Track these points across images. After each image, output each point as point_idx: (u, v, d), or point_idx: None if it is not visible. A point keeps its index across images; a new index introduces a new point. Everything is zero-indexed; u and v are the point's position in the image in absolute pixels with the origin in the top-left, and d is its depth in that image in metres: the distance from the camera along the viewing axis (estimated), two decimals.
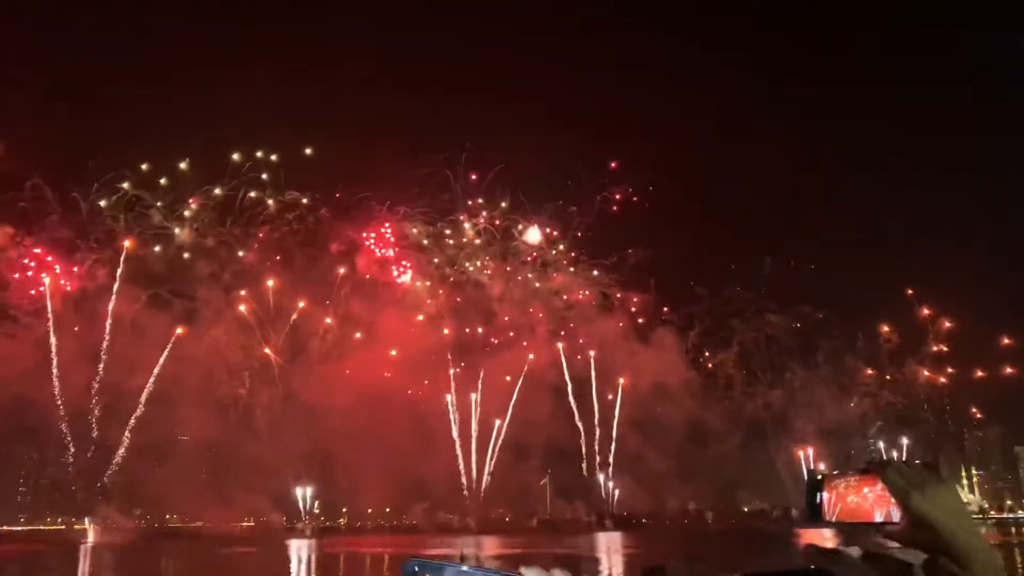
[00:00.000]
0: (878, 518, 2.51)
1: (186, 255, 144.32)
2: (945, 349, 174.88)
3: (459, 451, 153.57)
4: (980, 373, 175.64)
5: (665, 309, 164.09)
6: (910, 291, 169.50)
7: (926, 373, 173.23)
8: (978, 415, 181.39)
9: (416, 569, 2.11)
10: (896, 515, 2.45)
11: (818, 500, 2.61)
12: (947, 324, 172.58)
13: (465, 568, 2.13)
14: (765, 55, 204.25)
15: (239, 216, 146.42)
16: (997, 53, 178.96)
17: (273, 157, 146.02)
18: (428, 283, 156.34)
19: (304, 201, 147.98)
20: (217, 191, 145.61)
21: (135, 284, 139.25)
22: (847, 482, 2.60)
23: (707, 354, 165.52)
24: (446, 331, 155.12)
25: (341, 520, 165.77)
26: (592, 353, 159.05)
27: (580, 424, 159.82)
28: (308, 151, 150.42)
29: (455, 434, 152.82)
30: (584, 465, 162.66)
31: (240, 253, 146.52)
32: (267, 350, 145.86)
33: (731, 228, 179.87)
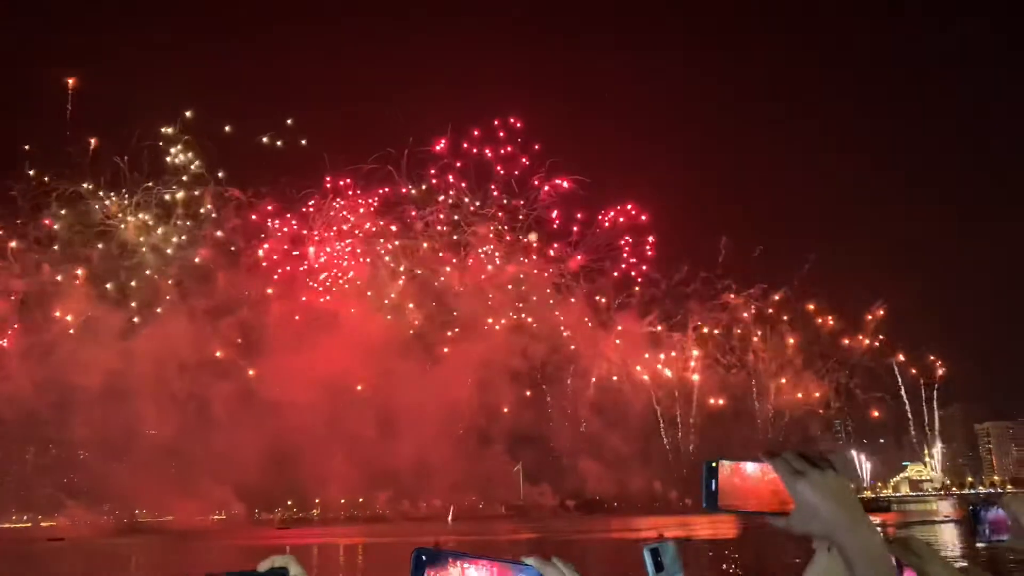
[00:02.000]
0: (769, 507, 2.55)
1: (144, 250, 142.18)
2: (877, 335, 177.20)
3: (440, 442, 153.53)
4: (933, 358, 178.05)
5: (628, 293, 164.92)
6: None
7: (901, 357, 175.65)
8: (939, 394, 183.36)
9: (424, 559, 2.13)
10: (788, 503, 2.49)
11: (712, 487, 2.58)
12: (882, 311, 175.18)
13: (470, 557, 2.15)
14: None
15: (185, 213, 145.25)
16: None
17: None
18: (399, 267, 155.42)
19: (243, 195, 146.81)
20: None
21: (84, 281, 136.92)
22: (742, 470, 2.61)
23: (669, 337, 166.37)
24: (416, 322, 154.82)
25: (314, 511, 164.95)
26: (565, 333, 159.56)
27: (550, 410, 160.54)
28: (274, 139, 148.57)
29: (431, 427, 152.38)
30: (565, 453, 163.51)
31: (186, 249, 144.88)
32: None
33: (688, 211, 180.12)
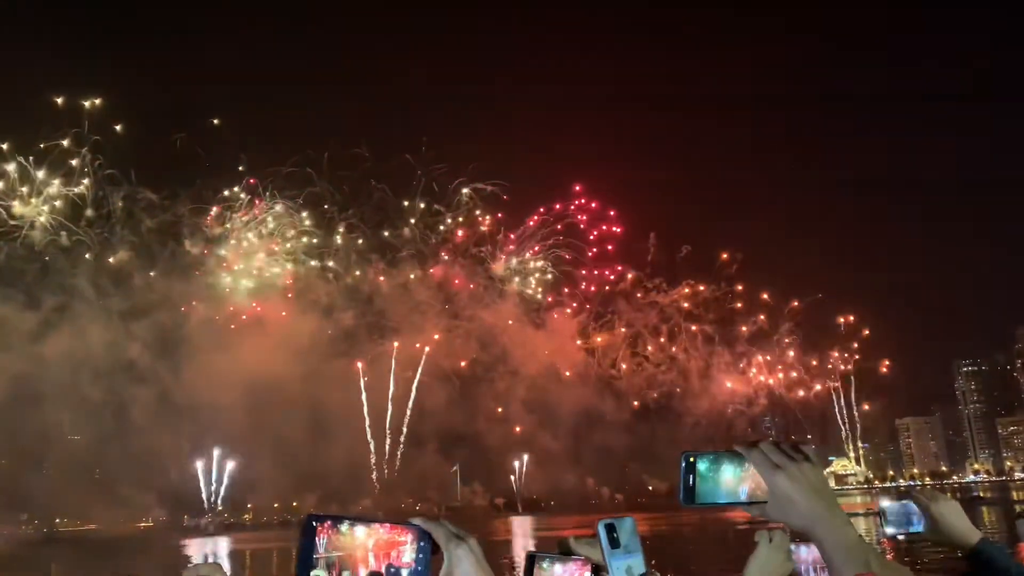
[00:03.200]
0: (746, 497, 2.56)
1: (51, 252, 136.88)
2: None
3: (371, 440, 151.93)
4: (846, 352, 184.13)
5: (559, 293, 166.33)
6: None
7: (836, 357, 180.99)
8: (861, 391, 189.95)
9: (314, 524, 2.21)
10: (763, 495, 2.52)
11: (691, 482, 2.59)
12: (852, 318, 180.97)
13: (359, 520, 2.27)
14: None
15: (96, 214, 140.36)
16: None
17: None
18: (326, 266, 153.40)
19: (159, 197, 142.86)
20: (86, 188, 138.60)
21: None
22: (718, 462, 2.61)
23: (597, 338, 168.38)
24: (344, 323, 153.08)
25: (246, 516, 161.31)
26: (495, 332, 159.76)
27: (496, 410, 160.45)
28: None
29: (367, 429, 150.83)
30: (499, 452, 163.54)
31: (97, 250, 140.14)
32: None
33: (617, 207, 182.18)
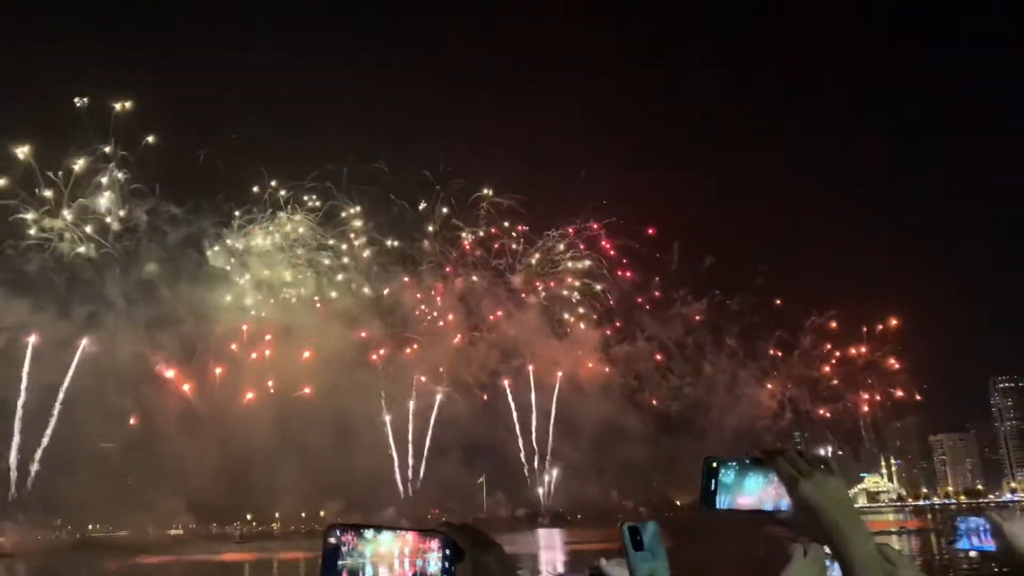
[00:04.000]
0: (769, 506, 2.57)
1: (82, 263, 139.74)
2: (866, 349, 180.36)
3: (394, 453, 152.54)
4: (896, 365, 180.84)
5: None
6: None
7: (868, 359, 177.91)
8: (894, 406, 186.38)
9: (339, 532, 2.22)
10: (785, 504, 2.53)
11: (712, 487, 2.59)
12: (893, 323, 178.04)
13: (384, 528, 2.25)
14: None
15: (124, 226, 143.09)
16: None
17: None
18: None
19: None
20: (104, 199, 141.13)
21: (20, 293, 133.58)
22: (741, 470, 2.62)
23: (620, 350, 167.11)
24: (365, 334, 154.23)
25: (274, 524, 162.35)
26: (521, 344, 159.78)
27: (518, 423, 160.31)
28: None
29: (389, 438, 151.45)
30: (525, 463, 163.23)
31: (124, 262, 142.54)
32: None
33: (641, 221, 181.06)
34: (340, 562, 2.21)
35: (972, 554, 4.12)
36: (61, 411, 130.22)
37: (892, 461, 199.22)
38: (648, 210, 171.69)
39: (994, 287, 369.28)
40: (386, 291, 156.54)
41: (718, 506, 2.59)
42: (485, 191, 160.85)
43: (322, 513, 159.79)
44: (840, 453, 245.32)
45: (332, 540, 2.22)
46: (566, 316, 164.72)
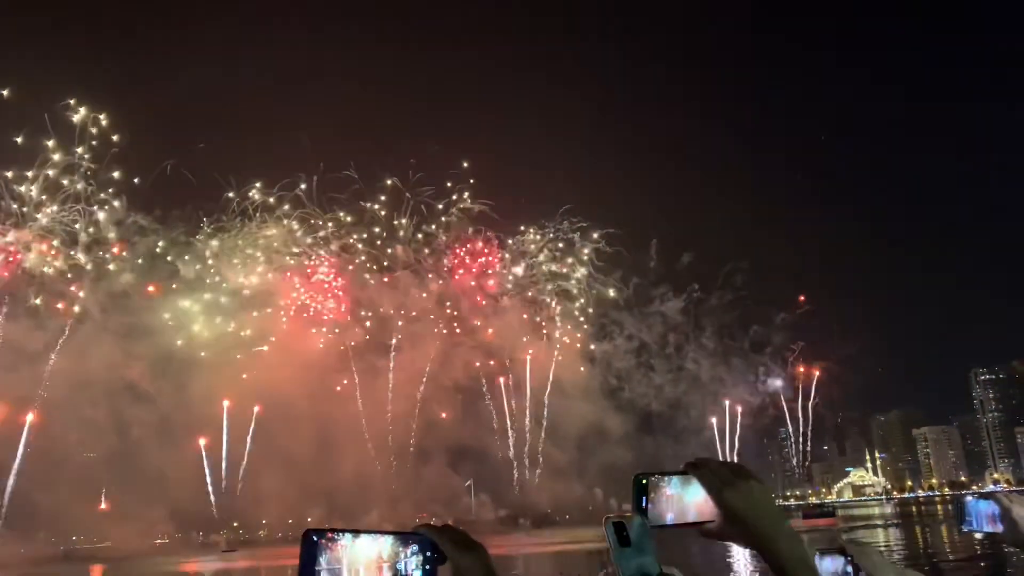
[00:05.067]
0: (695, 518, 2.59)
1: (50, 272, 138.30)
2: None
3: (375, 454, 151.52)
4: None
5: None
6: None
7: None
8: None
9: (315, 538, 2.18)
10: (713, 515, 2.56)
11: (644, 503, 2.57)
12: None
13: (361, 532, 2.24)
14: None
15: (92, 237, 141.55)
16: None
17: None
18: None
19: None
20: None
21: None
22: (669, 484, 2.62)
23: (600, 348, 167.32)
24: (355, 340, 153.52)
25: (260, 532, 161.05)
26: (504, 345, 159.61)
27: (505, 423, 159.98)
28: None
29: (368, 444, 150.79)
30: (514, 461, 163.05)
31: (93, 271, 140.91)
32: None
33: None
34: (317, 568, 2.17)
35: (977, 536, 4.20)
36: (38, 423, 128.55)
37: (877, 455, 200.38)
38: (624, 209, 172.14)
39: (974, 280, 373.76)
40: (365, 295, 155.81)
41: (651, 522, 2.57)
42: (456, 197, 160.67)
43: (309, 519, 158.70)
44: (825, 448, 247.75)
45: (308, 546, 2.18)
46: (544, 317, 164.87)
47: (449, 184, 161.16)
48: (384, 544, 2.24)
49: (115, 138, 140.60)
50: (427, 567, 2.25)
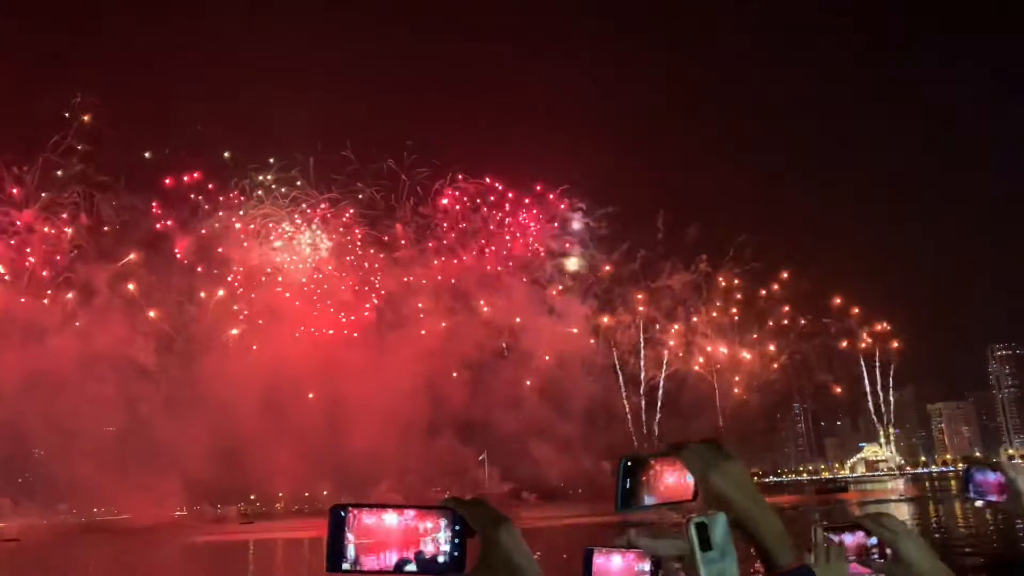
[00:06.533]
0: (678, 497, 2.62)
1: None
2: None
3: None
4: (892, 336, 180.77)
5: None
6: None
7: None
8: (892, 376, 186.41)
9: (342, 514, 2.19)
10: (693, 494, 2.60)
11: (627, 485, 2.59)
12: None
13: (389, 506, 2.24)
14: None
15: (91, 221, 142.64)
16: None
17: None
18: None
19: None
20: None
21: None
22: (652, 465, 2.64)
23: (607, 321, 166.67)
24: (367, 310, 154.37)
25: (278, 505, 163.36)
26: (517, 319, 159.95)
27: (509, 399, 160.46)
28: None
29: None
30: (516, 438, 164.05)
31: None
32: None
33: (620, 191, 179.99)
34: (346, 543, 2.18)
35: (979, 504, 4.17)
36: (55, 396, 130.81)
37: (891, 430, 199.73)
38: (628, 180, 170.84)
39: (991, 255, 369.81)
40: (368, 273, 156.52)
41: (634, 505, 2.59)
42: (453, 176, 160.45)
43: (325, 492, 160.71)
44: (839, 423, 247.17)
45: (336, 521, 2.18)
46: (552, 291, 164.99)
47: (438, 163, 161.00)
48: (411, 519, 2.24)
49: (86, 118, 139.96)
50: (456, 541, 2.24)
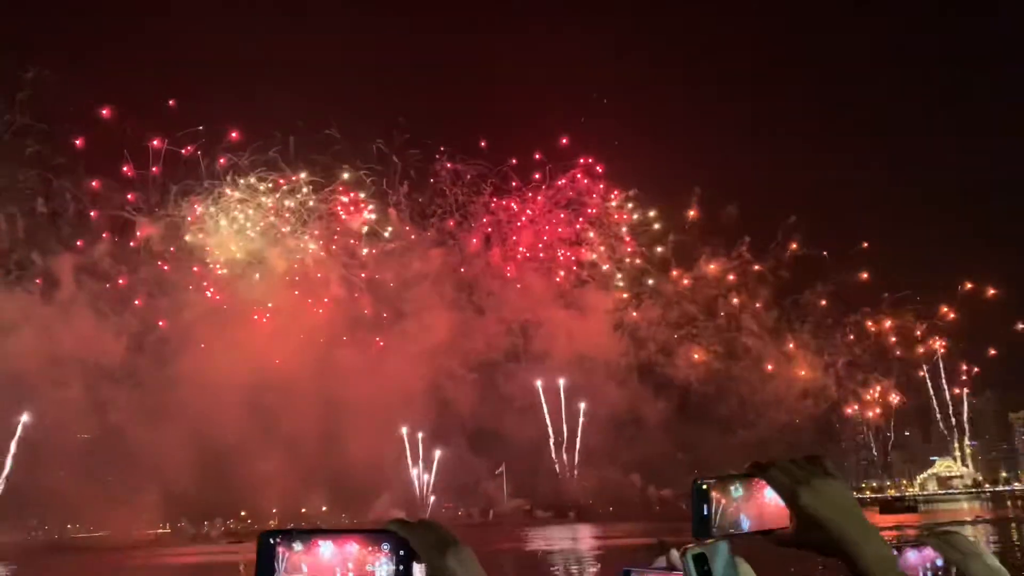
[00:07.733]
0: (768, 525, 2.33)
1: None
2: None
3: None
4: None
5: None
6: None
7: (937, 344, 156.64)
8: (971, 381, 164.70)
9: (272, 542, 1.97)
10: (785, 519, 2.29)
11: (705, 512, 2.31)
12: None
13: (325, 533, 2.02)
14: None
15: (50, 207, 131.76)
16: None
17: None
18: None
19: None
20: None
21: None
22: (733, 488, 2.36)
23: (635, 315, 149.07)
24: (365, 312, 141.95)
25: (271, 522, 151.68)
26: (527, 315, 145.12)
27: (526, 407, 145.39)
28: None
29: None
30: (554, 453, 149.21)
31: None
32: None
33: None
34: (275, 575, 1.96)
35: None
36: (24, 405, 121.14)
37: (967, 442, 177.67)
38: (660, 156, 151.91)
39: None
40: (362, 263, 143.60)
41: (714, 532, 2.32)
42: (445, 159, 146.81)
43: (324, 508, 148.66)
44: (907, 434, 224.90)
45: (265, 551, 1.96)
46: (571, 283, 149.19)
47: (442, 148, 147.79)
48: (351, 545, 2.01)
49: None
50: (400, 568, 2.01)
